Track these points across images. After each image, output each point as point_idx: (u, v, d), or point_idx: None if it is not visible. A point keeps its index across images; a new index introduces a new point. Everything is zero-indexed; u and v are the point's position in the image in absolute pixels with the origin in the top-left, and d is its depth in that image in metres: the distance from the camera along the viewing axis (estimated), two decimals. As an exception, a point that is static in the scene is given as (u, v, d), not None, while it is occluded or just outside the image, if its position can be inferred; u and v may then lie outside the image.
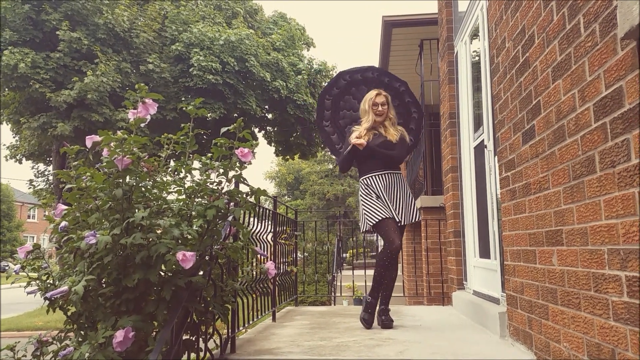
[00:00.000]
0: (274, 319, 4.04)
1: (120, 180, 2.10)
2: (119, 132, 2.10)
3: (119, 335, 1.86)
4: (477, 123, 4.22)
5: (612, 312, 1.72)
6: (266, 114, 17.25)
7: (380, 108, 3.72)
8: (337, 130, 4.23)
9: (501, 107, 3.03)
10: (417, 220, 3.70)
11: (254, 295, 3.35)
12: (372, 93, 3.77)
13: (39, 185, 18.12)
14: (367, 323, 3.53)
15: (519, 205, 2.69)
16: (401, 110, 3.98)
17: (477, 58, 4.25)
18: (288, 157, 19.17)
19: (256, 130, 17.93)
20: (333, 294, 9.15)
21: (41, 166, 18.50)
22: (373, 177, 3.70)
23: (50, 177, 17.64)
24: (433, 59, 7.99)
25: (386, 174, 3.69)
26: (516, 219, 2.75)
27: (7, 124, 15.53)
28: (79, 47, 12.51)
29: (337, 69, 18.35)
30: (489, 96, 3.68)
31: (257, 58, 15.00)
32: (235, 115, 15.50)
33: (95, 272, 2.01)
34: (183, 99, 14.38)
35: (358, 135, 3.70)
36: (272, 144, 18.72)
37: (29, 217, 47.66)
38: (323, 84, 17.53)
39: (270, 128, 18.08)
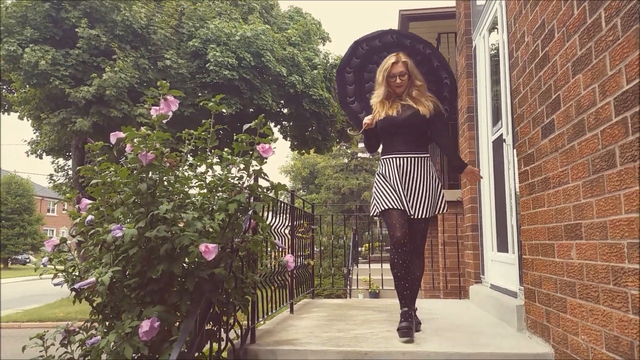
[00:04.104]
0: (291, 311, 4.09)
1: (144, 175, 2.16)
2: (142, 129, 2.15)
3: (145, 325, 1.92)
4: (496, 117, 4.20)
5: (631, 305, 1.73)
6: (282, 109, 17.29)
7: (398, 80, 3.22)
8: (366, 106, 3.59)
9: (520, 102, 3.02)
10: (440, 213, 3.28)
11: (272, 288, 3.39)
12: (389, 61, 3.24)
13: (59, 179, 18.44)
14: (404, 330, 2.84)
15: (538, 200, 2.69)
16: (431, 78, 3.40)
17: (495, 52, 4.23)
18: (304, 151, 19.22)
19: (272, 124, 17.98)
20: (349, 287, 9.20)
21: (61, 161, 18.83)
22: (390, 159, 3.24)
23: (70, 172, 17.93)
24: (450, 52, 7.95)
25: (406, 157, 3.20)
26: (535, 213, 2.75)
27: (28, 120, 15.81)
28: (97, 44, 12.67)
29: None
30: (507, 90, 3.67)
31: (273, 53, 15.03)
32: (251, 110, 15.57)
33: (120, 264, 2.08)
34: (200, 94, 14.49)
35: (374, 113, 3.30)
36: (288, 139, 18.80)
37: (48, 210, 48.55)
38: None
39: (285, 123, 18.13)
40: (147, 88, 13.39)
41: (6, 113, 16.63)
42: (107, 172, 2.34)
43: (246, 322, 2.79)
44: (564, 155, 2.33)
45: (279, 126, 18.37)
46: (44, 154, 17.66)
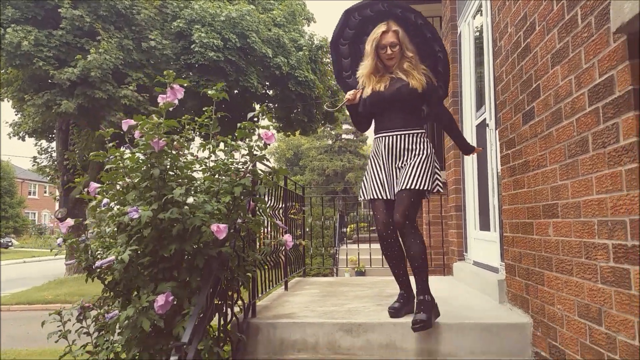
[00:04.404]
0: (286, 288, 4.29)
1: (154, 161, 2.30)
2: (153, 116, 2.29)
3: (160, 299, 2.09)
4: (479, 102, 4.39)
5: (600, 276, 1.94)
6: (267, 91, 17.33)
7: (389, 51, 3.00)
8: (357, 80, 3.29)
9: (503, 89, 3.21)
10: (430, 189, 2.94)
11: (266, 267, 3.57)
12: (378, 30, 3.02)
13: (42, 162, 18.30)
14: (391, 310, 2.99)
15: (518, 181, 2.90)
16: (424, 51, 3.14)
17: (480, 39, 4.40)
18: (289, 133, 19.31)
19: (257, 106, 18.02)
20: (336, 266, 9.46)
21: (44, 143, 18.66)
22: (380, 138, 3.06)
23: (54, 154, 17.79)
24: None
25: (396, 135, 2.99)
26: (515, 194, 2.96)
27: (9, 101, 15.61)
28: (81, 24, 12.53)
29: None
30: (491, 77, 3.85)
31: (258, 34, 15.01)
32: (236, 91, 15.57)
33: (134, 244, 2.23)
34: (184, 76, 14.44)
35: (358, 88, 3.11)
36: (273, 120, 18.86)
37: (29, 193, 48.01)
38: (324, 59, 17.53)
39: (271, 104, 18.17)
40: (132, 69, 13.32)
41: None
42: (113, 157, 2.48)
43: (247, 298, 2.97)
44: (542, 141, 2.53)
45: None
46: (27, 136, 17.48)
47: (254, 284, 3.03)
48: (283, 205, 4.25)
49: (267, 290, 3.64)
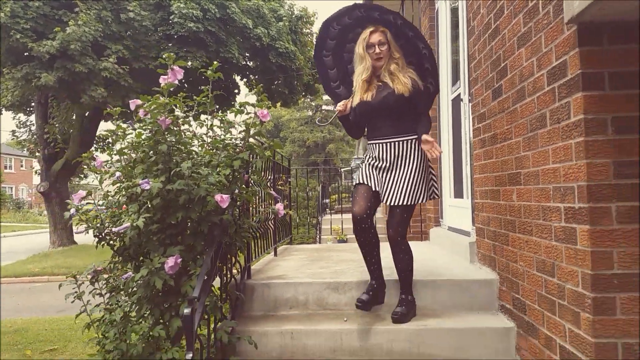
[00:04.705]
0: (275, 254, 4.58)
1: (160, 138, 2.52)
2: (159, 96, 2.50)
3: (170, 261, 2.35)
4: (455, 77, 4.65)
5: (554, 234, 2.26)
6: (248, 62, 17.29)
7: (377, 49, 3.00)
8: (352, 90, 3.24)
9: (475, 66, 3.47)
10: (422, 201, 3.03)
11: (258, 234, 3.84)
12: (366, 31, 3.04)
13: (22, 135, 18.11)
14: (359, 303, 2.93)
15: (488, 152, 3.19)
16: (410, 49, 3.11)
17: (457, 12, 4.62)
18: (270, 105, 19.36)
19: (238, 78, 18.01)
20: (319, 235, 9.82)
21: (22, 117, 18.42)
22: (372, 145, 3.10)
23: (33, 128, 17.61)
24: (414, 9, 8.27)
25: (387, 143, 3.02)
26: (485, 164, 3.26)
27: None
28: (57, -5, 12.35)
29: (318, 15, 18.19)
30: (465, 55, 4.10)
31: (237, 4, 14.92)
32: (215, 62, 15.51)
33: (144, 213, 2.47)
34: (163, 47, 14.34)
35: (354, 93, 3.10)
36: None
37: (5, 167, 47.21)
38: (305, 30, 17.52)
39: (252, 76, 18.16)
40: (111, 41, 13.19)
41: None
42: (121, 132, 2.70)
43: (243, 262, 3.25)
44: (509, 116, 2.81)
45: (245, 80, 18.39)
46: (4, 109, 17.22)
47: (248, 249, 3.31)
48: (272, 177, 4.50)
49: (259, 256, 3.93)
